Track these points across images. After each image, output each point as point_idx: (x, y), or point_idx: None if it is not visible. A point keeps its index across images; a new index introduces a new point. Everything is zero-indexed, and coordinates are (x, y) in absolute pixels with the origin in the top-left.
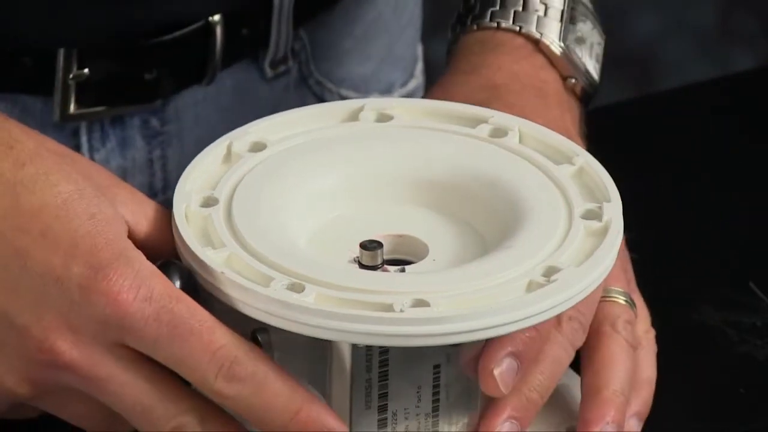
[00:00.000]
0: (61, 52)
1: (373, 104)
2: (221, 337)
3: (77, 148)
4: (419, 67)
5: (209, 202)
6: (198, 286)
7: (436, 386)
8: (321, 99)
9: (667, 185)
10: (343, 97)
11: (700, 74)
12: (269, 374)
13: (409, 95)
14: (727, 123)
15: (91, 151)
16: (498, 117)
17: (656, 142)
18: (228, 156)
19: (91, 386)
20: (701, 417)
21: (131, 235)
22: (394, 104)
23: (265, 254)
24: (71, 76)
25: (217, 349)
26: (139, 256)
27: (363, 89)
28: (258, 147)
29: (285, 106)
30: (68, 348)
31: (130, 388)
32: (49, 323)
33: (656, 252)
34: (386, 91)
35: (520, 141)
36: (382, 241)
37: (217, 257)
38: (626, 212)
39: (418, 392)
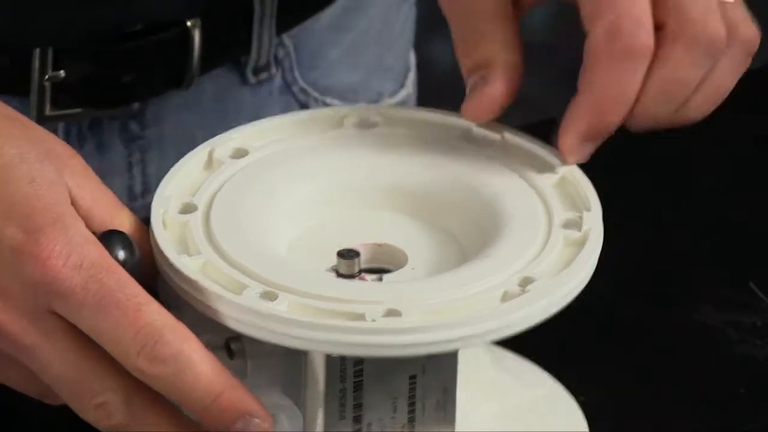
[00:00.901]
0: (37, 52)
1: (357, 111)
2: (148, 314)
3: None
4: (411, 77)
5: (188, 209)
6: (144, 267)
7: (411, 397)
8: (305, 107)
9: (667, 185)
10: (327, 106)
11: None
12: (193, 356)
13: (400, 105)
14: (727, 123)
15: None
16: (482, 126)
17: (656, 142)
18: (209, 162)
19: (20, 353)
20: (701, 417)
21: (75, 204)
22: (378, 111)
23: (241, 261)
24: (46, 77)
25: (141, 327)
26: (77, 224)
27: (350, 99)
28: (240, 153)
29: (268, 112)
30: None
31: (55, 359)
32: None
33: (656, 252)
34: (374, 101)
35: (505, 149)
36: (362, 250)
37: (192, 264)
38: (626, 212)
39: (393, 403)
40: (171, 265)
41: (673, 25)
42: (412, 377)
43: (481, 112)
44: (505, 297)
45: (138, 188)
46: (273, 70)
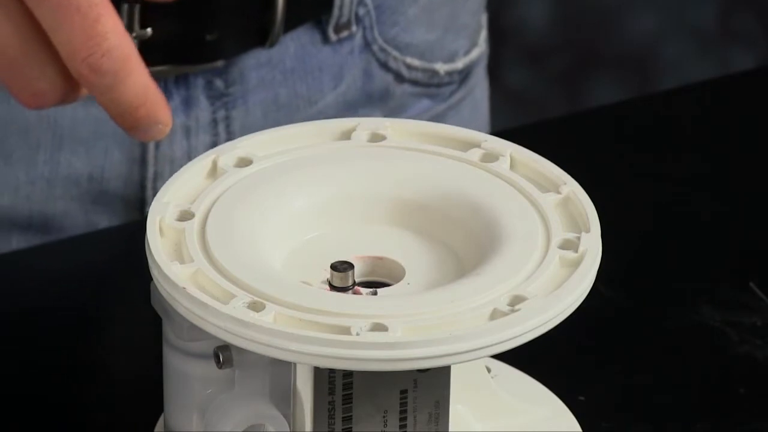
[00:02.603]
0: (125, 8)
1: (366, 124)
2: (104, 25)
3: None
4: (483, 35)
5: (185, 216)
6: None
7: (403, 411)
8: (385, 65)
9: (667, 185)
10: (407, 65)
11: (699, 74)
12: (128, 77)
13: (473, 63)
14: (727, 123)
15: None
16: (491, 142)
17: (656, 142)
18: (213, 170)
19: None
20: (701, 417)
21: None
22: (387, 124)
23: (231, 271)
24: (134, 35)
25: (94, 35)
26: None
27: (428, 57)
28: (244, 162)
29: (348, 71)
30: None
31: (5, 30)
32: None
33: (656, 252)
34: (450, 59)
35: (511, 167)
36: (360, 263)
37: (182, 272)
38: (626, 212)
39: (384, 417)
40: (161, 272)
41: None
42: (403, 392)
43: None
44: (494, 315)
45: None
46: (354, 28)
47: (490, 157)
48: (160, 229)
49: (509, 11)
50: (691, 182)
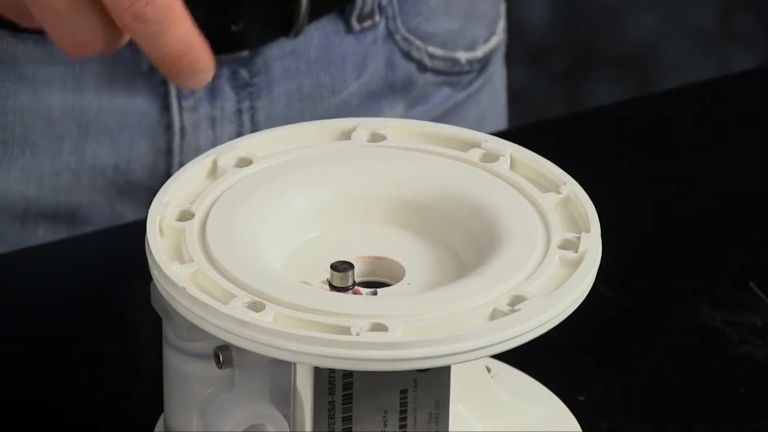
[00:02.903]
0: None
1: (366, 124)
2: None
3: (166, 95)
4: (501, 24)
5: (185, 216)
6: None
7: (403, 411)
8: (408, 55)
9: (667, 185)
10: (430, 54)
11: (699, 74)
12: (171, 25)
13: (492, 51)
14: (727, 123)
15: (180, 98)
16: (491, 142)
17: (656, 142)
18: (213, 170)
19: None
20: (701, 417)
21: None
22: (387, 124)
23: (231, 271)
24: None
25: None
26: None
27: (449, 45)
28: (244, 162)
29: (372, 61)
30: None
31: None
32: None
33: (656, 252)
34: (470, 47)
35: (511, 167)
36: (360, 263)
37: (182, 272)
38: (626, 212)
39: (384, 417)
40: (161, 272)
41: None
42: (403, 391)
43: None
44: (494, 315)
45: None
46: (377, 17)
47: (490, 157)
48: (160, 229)
49: (509, 11)
50: (691, 182)
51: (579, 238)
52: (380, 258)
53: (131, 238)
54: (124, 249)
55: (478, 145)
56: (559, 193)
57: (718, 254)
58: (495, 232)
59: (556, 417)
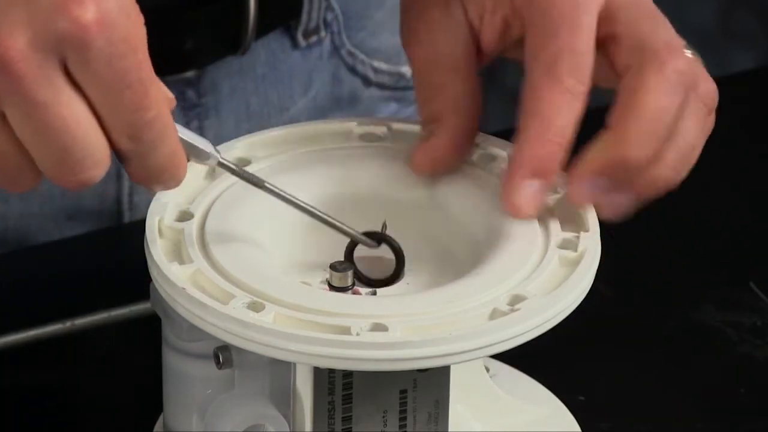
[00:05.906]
0: None
1: (364, 125)
2: (153, 101)
3: None
4: None
5: (184, 217)
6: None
7: (402, 411)
8: (353, 70)
9: None
10: (375, 69)
11: None
12: (164, 142)
13: None
14: (727, 123)
15: None
16: (490, 142)
17: None
18: (212, 170)
19: (17, 86)
20: (701, 417)
21: None
22: (385, 126)
23: (230, 271)
24: None
25: (142, 109)
26: None
27: (394, 60)
28: (242, 163)
29: (318, 76)
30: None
31: (54, 102)
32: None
33: (656, 252)
34: None
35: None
36: (360, 263)
37: (182, 273)
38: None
39: (384, 417)
40: (160, 273)
41: (632, 48)
42: (403, 391)
43: (424, 164)
44: (494, 315)
45: None
46: (322, 33)
47: (487, 158)
48: (160, 230)
49: None
50: (690, 182)
51: (578, 238)
52: (378, 258)
53: (131, 238)
54: (124, 249)
55: (477, 145)
56: (556, 192)
57: (718, 254)
58: (494, 232)
59: (555, 417)
